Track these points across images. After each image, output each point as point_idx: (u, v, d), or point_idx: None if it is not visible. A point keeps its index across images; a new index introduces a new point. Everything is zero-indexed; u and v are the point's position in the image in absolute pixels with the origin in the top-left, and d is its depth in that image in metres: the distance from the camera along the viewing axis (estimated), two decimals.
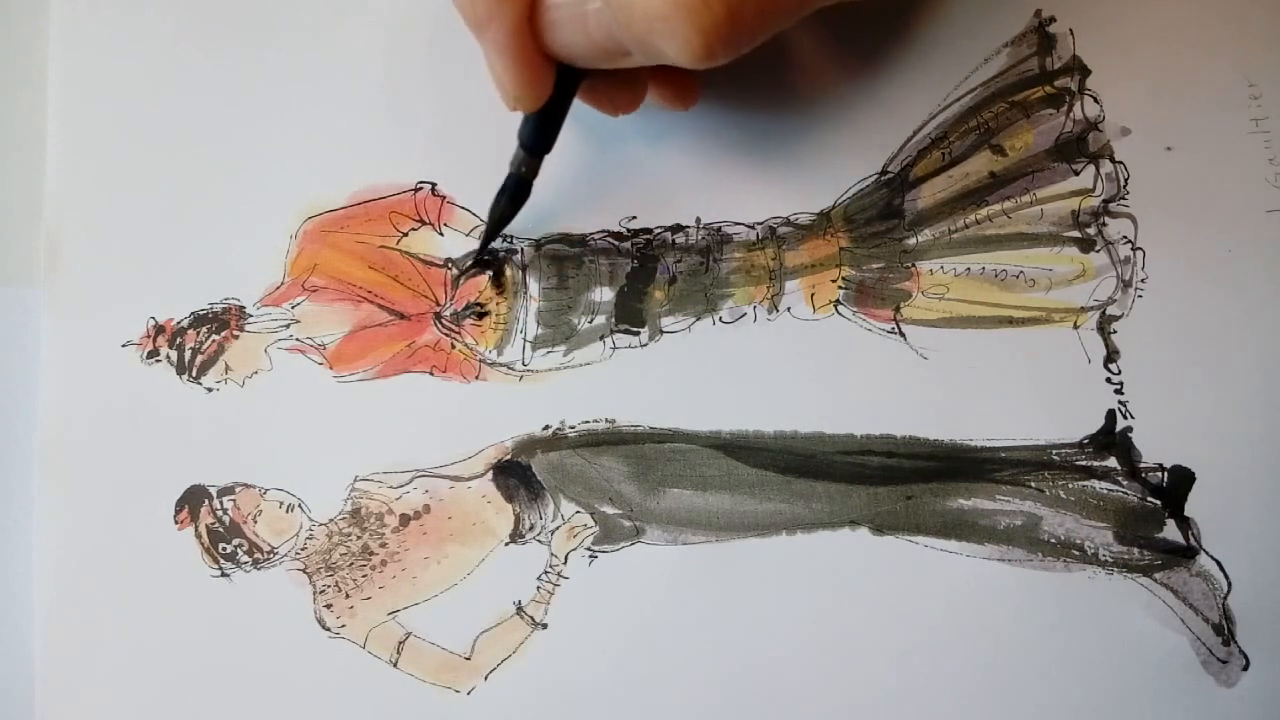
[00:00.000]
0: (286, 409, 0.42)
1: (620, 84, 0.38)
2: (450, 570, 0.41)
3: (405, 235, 0.43)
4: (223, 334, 0.42)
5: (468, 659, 0.40)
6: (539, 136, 0.38)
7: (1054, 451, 0.40)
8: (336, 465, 0.41)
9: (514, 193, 0.40)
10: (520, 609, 0.40)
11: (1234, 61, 0.42)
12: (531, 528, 0.41)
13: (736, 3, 0.31)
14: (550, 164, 0.39)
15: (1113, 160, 0.42)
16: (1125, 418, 0.40)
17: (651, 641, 0.40)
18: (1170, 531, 0.39)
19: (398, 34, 0.44)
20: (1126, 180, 0.42)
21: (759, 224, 0.42)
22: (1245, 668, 0.38)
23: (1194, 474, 0.39)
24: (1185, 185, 0.41)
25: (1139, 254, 0.41)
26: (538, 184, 0.40)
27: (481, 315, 0.43)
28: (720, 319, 0.42)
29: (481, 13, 0.33)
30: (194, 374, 0.42)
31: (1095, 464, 0.40)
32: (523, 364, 0.42)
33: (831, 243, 0.42)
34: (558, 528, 0.41)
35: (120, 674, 0.40)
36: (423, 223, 0.43)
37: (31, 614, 0.41)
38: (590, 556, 0.40)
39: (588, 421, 0.41)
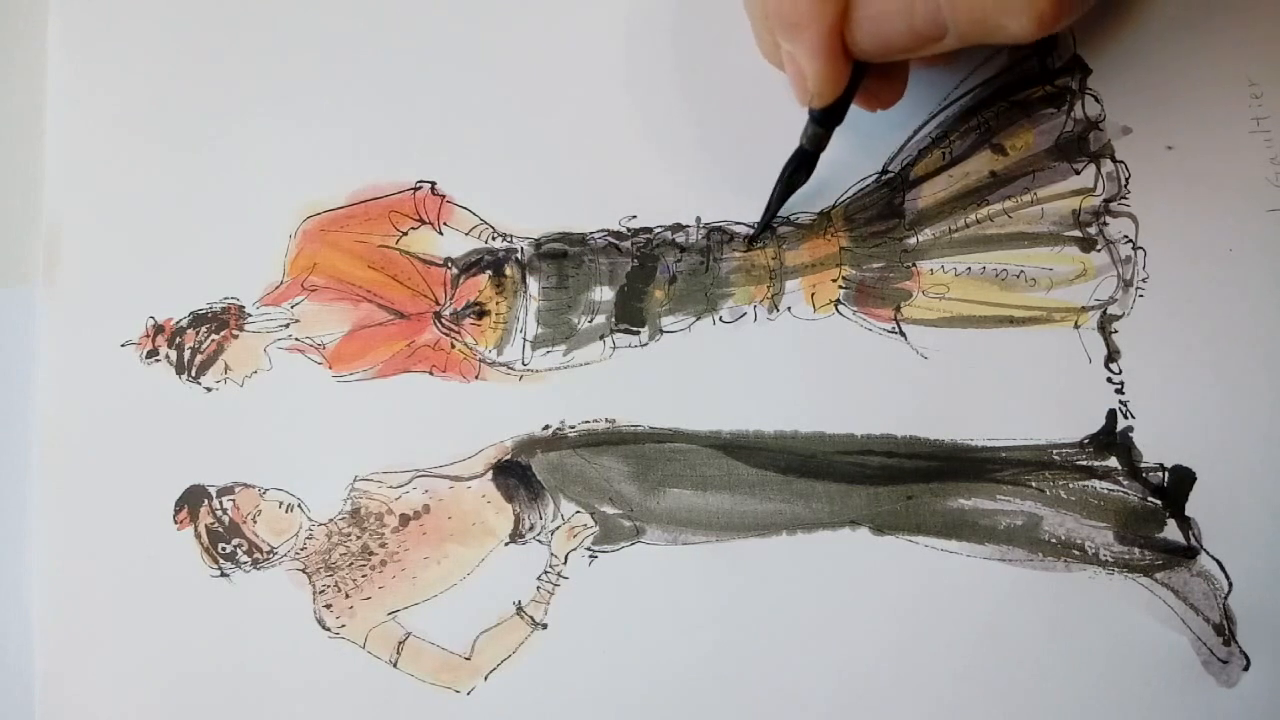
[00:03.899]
0: (286, 409, 0.42)
1: (890, 78, 0.40)
2: (450, 570, 0.40)
3: (405, 234, 0.43)
4: (222, 333, 0.42)
5: (468, 659, 0.40)
6: (829, 117, 0.39)
7: (1054, 451, 0.40)
8: (336, 465, 0.41)
9: (808, 164, 0.41)
10: (520, 609, 0.40)
11: (1235, 61, 0.42)
12: (531, 528, 0.41)
13: None
14: (550, 164, 0.39)
15: (1114, 159, 0.42)
16: (1126, 417, 0.40)
17: (651, 641, 0.39)
18: (1171, 531, 0.39)
19: (397, 33, 0.44)
20: (1127, 179, 0.42)
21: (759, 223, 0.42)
22: (1246, 668, 0.38)
23: (1195, 474, 0.39)
24: (1186, 184, 0.41)
25: (1140, 253, 0.41)
26: (538, 182, 0.40)
27: (481, 315, 0.42)
28: (720, 318, 0.42)
29: (803, 13, 0.35)
30: (193, 374, 0.42)
31: (1096, 464, 0.40)
32: (522, 363, 0.42)
33: (832, 242, 0.42)
34: (558, 528, 0.41)
35: (120, 674, 0.40)
36: (422, 222, 0.43)
37: (31, 614, 0.41)
38: (590, 556, 0.40)
39: (588, 421, 0.41)
